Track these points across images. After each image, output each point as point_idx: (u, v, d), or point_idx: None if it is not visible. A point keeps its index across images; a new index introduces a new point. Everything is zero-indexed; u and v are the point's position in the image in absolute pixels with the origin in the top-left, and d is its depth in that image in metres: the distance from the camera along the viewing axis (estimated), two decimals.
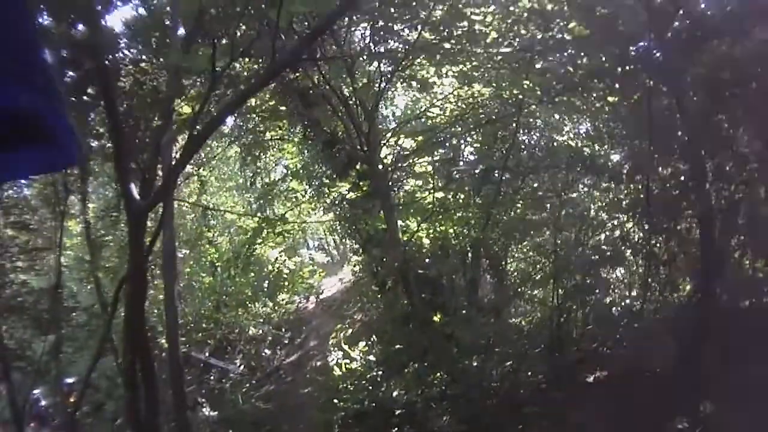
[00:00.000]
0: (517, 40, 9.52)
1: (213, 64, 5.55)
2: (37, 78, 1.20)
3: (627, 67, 9.26)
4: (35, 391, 13.52)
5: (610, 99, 10.08)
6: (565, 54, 9.38)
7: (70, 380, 14.57)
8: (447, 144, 12.86)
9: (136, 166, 7.44)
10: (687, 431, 8.54)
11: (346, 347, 13.46)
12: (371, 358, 12.76)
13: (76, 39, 6.91)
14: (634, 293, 11.14)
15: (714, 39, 9.04)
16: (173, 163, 7.05)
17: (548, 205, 11.62)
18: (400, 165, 12.77)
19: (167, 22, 8.56)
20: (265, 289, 21.44)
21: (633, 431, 8.79)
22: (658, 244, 10.32)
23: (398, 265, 10.73)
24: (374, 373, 11.95)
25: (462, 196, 12.11)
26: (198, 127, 6.47)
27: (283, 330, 21.91)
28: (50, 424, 14.28)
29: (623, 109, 10.23)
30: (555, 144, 11.91)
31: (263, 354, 20.54)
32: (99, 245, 15.20)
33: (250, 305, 21.36)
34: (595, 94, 10.15)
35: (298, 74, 11.48)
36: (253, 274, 20.43)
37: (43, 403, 14.32)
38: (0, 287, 12.88)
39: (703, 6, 9.78)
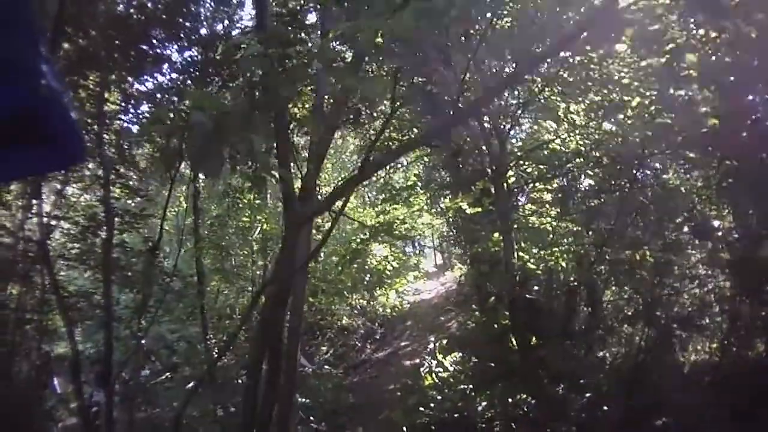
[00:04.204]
0: (648, 93, 10.44)
1: (393, 94, 5.65)
2: (35, 77, 1.24)
3: (743, 134, 10.00)
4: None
5: (726, 162, 10.89)
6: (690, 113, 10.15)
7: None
8: (568, 175, 13.77)
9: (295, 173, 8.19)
10: None
11: (440, 357, 14.64)
12: (461, 369, 13.87)
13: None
14: (714, 345, 11.87)
15: None
16: (339, 188, 7.66)
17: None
18: (523, 189, 13.75)
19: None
20: (365, 283, 22.33)
21: None
22: (744, 303, 10.96)
23: (507, 288, 11.44)
24: (464, 386, 12.92)
25: (576, 228, 12.97)
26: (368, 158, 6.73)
27: (377, 325, 23.19)
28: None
29: (736, 171, 10.92)
30: (669, 188, 12.67)
31: (353, 345, 21.68)
32: (202, 214, 16.26)
33: (347, 295, 22.39)
34: (710, 150, 10.89)
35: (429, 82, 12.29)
36: (356, 266, 20.93)
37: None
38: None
39: None
